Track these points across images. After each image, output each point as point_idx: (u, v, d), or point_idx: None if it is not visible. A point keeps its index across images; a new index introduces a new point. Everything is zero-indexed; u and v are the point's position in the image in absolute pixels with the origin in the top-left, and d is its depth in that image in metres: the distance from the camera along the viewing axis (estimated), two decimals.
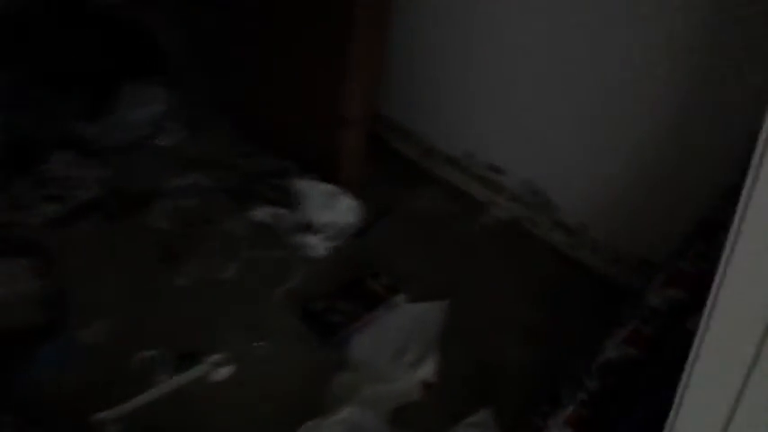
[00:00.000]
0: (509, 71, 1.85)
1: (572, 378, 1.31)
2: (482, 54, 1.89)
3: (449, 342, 1.63)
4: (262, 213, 1.98)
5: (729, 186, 1.13)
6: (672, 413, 0.88)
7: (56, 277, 1.71)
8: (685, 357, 0.89)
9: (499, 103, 1.91)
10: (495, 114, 1.94)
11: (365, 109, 1.99)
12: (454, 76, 1.99)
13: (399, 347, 1.60)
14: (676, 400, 0.87)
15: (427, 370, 1.55)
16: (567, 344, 1.64)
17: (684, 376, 0.86)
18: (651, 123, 1.61)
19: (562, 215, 1.89)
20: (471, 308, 1.73)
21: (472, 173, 2.08)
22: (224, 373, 1.54)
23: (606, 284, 1.82)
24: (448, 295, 1.73)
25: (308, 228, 1.92)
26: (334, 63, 1.87)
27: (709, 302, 0.83)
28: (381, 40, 1.93)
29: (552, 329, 1.69)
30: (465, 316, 1.70)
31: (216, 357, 1.57)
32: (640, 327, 1.21)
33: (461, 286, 1.80)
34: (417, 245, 1.94)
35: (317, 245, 1.89)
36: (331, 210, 1.94)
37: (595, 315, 1.71)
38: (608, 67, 1.62)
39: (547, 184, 1.90)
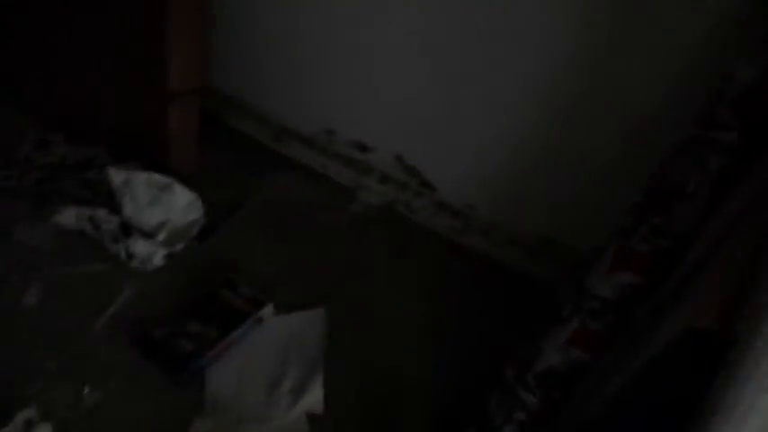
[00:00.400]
0: (366, 35, 1.55)
1: (503, 391, 1.04)
2: (331, 15, 1.57)
3: (334, 357, 1.30)
4: (69, 217, 1.51)
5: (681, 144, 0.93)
6: None
7: None
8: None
9: (357, 71, 1.61)
10: (355, 85, 1.64)
11: (192, 79, 1.60)
12: (303, 44, 1.66)
13: (273, 374, 1.24)
14: None
15: (312, 398, 1.21)
16: (475, 344, 1.39)
17: None
18: (524, 91, 1.39)
19: (444, 196, 1.64)
20: (354, 313, 1.42)
21: (334, 152, 1.76)
22: None
23: (504, 270, 1.59)
24: (324, 301, 1.41)
25: (135, 231, 1.49)
26: (148, 23, 1.46)
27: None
28: None
29: (452, 328, 1.43)
30: (349, 323, 1.38)
31: (27, 414, 1.13)
32: (587, 323, 0.97)
33: (338, 288, 1.47)
34: (279, 243, 1.58)
35: (149, 252, 1.47)
36: (163, 206, 1.53)
37: (500, 307, 1.49)
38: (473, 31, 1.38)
39: (421, 161, 1.63)
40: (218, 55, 1.81)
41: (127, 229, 1.49)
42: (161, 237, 1.50)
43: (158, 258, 1.47)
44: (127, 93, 1.61)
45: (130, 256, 1.46)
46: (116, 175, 1.53)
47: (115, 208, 1.51)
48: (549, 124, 1.40)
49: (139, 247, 1.47)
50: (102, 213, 1.50)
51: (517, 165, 1.50)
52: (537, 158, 1.48)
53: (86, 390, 1.19)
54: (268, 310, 1.36)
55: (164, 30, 1.46)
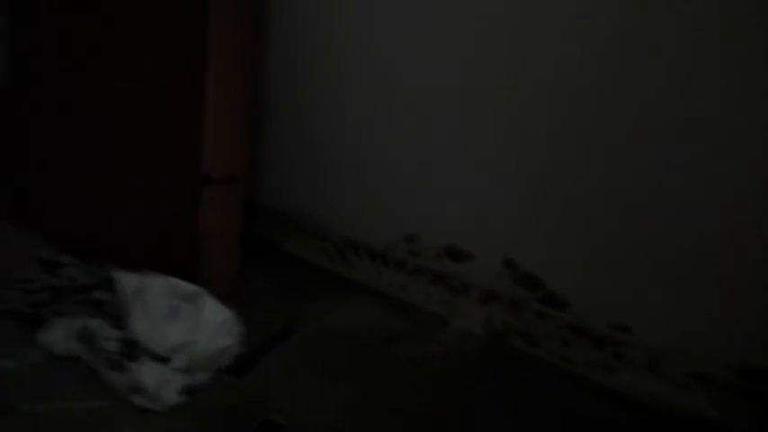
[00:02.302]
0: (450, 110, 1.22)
1: None
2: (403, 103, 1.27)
3: None
4: (56, 334, 1.10)
5: None
6: None
7: None
8: None
9: (442, 154, 1.26)
10: (441, 172, 1.27)
11: (230, 165, 1.26)
12: (370, 137, 1.34)
13: None
14: None
15: None
16: None
17: None
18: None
19: (580, 315, 1.16)
20: None
21: (415, 266, 1.34)
22: None
23: (679, 421, 1.06)
24: None
25: (143, 353, 1.05)
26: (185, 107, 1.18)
27: None
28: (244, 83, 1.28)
29: None
30: None
31: None
32: None
33: None
34: (339, 383, 1.11)
35: (161, 383, 1.01)
36: (186, 322, 1.10)
37: None
38: None
39: (545, 264, 1.19)
40: (266, 170, 1.50)
41: (132, 350, 1.05)
42: (178, 362, 1.05)
43: (172, 393, 1.01)
44: (153, 186, 1.27)
45: (135, 388, 1.01)
46: (127, 281, 1.14)
47: (120, 323, 1.09)
48: None
49: (148, 374, 1.02)
50: (99, 327, 1.07)
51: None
52: None
53: None
54: None
55: (202, 109, 1.16)
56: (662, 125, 1.03)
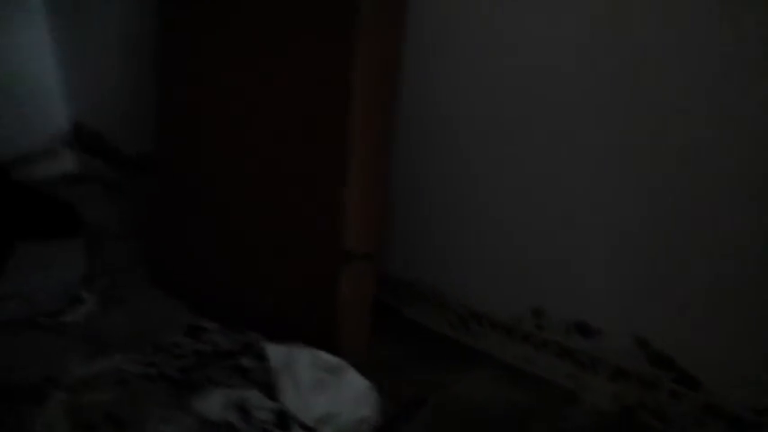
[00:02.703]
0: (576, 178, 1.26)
1: None
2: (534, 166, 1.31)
3: None
4: (213, 404, 1.19)
5: None
6: None
7: None
8: None
9: (568, 226, 1.29)
10: (569, 246, 1.30)
11: (370, 242, 1.35)
12: (496, 206, 1.38)
13: None
14: None
15: None
16: None
17: None
18: None
19: (714, 395, 1.15)
20: None
21: (543, 340, 1.36)
22: None
23: None
24: None
25: (294, 423, 1.13)
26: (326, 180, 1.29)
27: None
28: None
29: None
30: None
31: None
32: None
33: None
34: None
35: None
36: (331, 394, 1.17)
37: None
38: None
39: (678, 344, 1.19)
40: (387, 236, 1.56)
41: (284, 420, 1.13)
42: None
43: None
44: (294, 259, 1.37)
45: None
46: (275, 353, 1.23)
47: (271, 393, 1.18)
48: None
49: None
50: (254, 397, 1.16)
51: None
52: None
53: None
54: None
55: (344, 180, 1.25)
56: None
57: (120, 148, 2.28)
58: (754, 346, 1.11)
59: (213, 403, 1.20)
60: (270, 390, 1.18)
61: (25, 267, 1.65)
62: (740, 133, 1.04)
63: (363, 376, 1.22)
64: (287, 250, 1.38)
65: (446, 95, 1.36)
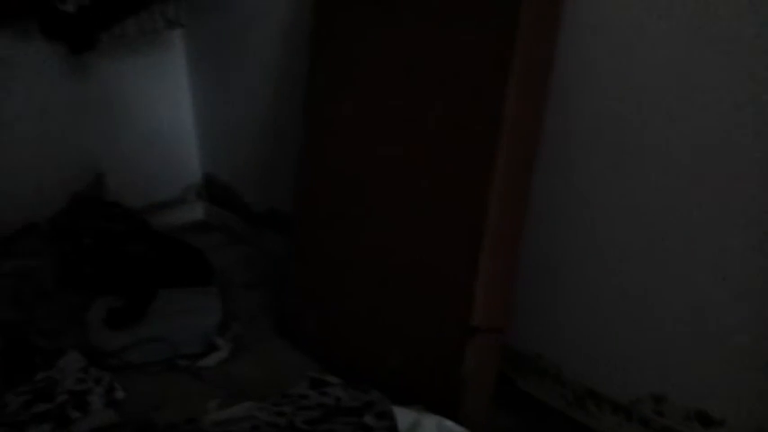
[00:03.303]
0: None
1: None
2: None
3: None
4: None
5: None
6: None
7: None
8: None
9: (690, 309, 1.31)
10: (690, 330, 1.32)
11: (497, 316, 1.41)
12: (619, 285, 1.42)
13: None
14: None
15: None
16: None
17: None
18: None
19: None
20: None
21: (662, 426, 1.38)
22: None
23: None
24: None
25: None
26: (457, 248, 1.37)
27: None
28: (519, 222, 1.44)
29: None
30: None
31: None
32: None
33: None
34: None
35: None
36: None
37: None
38: None
39: None
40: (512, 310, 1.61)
41: None
42: None
43: None
44: (419, 328, 1.45)
45: None
46: (402, 415, 1.31)
47: None
48: None
49: None
50: None
51: None
52: None
53: None
54: None
55: (476, 255, 1.33)
56: None
57: (247, 202, 2.45)
58: None
59: None
60: None
61: (167, 312, 1.80)
62: None
63: None
64: (416, 316, 1.46)
65: (583, 177, 1.43)
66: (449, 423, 1.29)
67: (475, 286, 1.34)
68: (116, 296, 1.82)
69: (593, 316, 1.47)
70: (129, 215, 2.15)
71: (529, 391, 1.60)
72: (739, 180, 1.19)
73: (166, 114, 2.53)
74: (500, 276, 1.40)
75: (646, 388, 1.40)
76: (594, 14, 1.33)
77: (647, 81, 1.28)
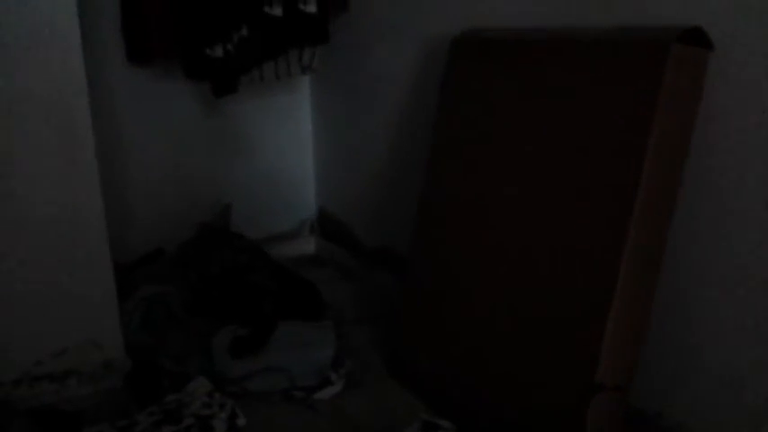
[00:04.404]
0: None
1: None
2: None
3: None
4: None
5: None
6: None
7: None
8: None
9: None
10: None
11: (622, 375, 1.38)
12: None
13: None
14: None
15: None
16: None
17: None
18: None
19: None
20: None
21: None
22: None
23: None
24: None
25: None
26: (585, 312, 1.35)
27: None
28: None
29: None
30: None
31: None
32: None
33: None
34: None
35: None
36: None
37: None
38: None
39: None
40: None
41: None
42: None
43: None
44: (541, 379, 1.44)
45: None
46: None
47: None
48: None
49: None
50: None
51: None
52: None
53: None
54: None
55: (608, 305, 1.32)
56: None
57: (359, 239, 2.53)
58: None
59: None
60: None
61: (286, 344, 1.87)
62: None
63: None
64: (535, 368, 1.45)
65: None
66: None
67: (603, 339, 1.31)
68: (240, 324, 1.90)
69: (727, 373, 1.40)
70: (252, 246, 2.26)
71: None
72: None
73: (288, 152, 2.67)
74: (630, 330, 1.36)
75: None
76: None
77: None
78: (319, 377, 1.81)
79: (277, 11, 1.99)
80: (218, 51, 1.91)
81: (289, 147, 2.68)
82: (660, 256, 1.39)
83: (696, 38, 1.29)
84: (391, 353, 1.93)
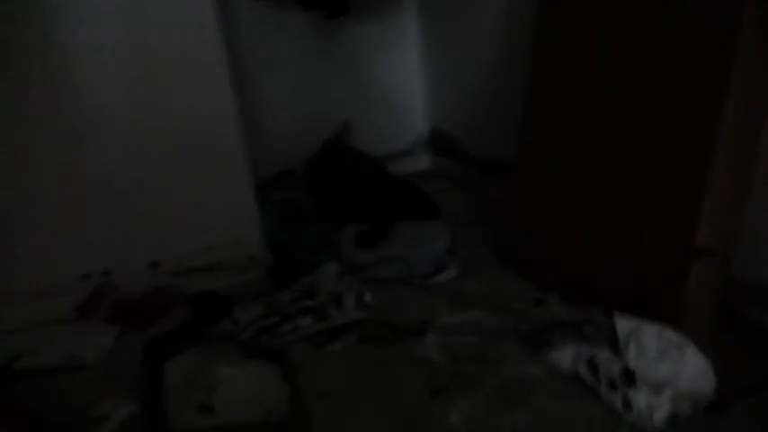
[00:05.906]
0: None
1: None
2: None
3: None
4: (566, 355, 1.44)
5: None
6: None
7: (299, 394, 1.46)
8: None
9: None
10: None
11: (723, 240, 1.45)
12: None
13: None
14: None
15: None
16: None
17: None
18: None
19: None
20: None
21: None
22: None
23: None
24: None
25: (639, 381, 1.32)
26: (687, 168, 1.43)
27: None
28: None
29: None
30: None
31: None
32: None
33: None
34: None
35: (651, 406, 1.27)
36: (672, 364, 1.34)
37: None
38: None
39: None
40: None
41: (629, 377, 1.33)
42: (665, 395, 1.29)
43: (661, 415, 1.26)
44: (641, 248, 1.54)
45: (627, 405, 1.29)
46: (623, 323, 1.43)
47: (618, 354, 1.39)
48: None
49: (641, 398, 1.28)
50: (603, 355, 1.38)
51: None
52: None
53: None
54: None
55: (705, 171, 1.39)
56: None
57: (469, 151, 2.66)
58: None
59: (564, 355, 1.45)
60: (615, 352, 1.39)
61: (404, 238, 2.07)
62: None
63: (703, 355, 1.35)
64: (638, 236, 1.54)
65: None
66: (669, 331, 1.38)
67: (702, 205, 1.38)
68: (363, 223, 2.13)
69: None
70: (372, 159, 2.47)
71: (756, 318, 1.60)
72: None
73: (399, 74, 2.82)
74: (729, 197, 1.42)
75: None
76: None
77: None
78: (435, 265, 2.00)
79: None
80: None
81: (399, 69, 2.83)
82: (759, 128, 1.43)
83: None
84: (502, 245, 2.07)
